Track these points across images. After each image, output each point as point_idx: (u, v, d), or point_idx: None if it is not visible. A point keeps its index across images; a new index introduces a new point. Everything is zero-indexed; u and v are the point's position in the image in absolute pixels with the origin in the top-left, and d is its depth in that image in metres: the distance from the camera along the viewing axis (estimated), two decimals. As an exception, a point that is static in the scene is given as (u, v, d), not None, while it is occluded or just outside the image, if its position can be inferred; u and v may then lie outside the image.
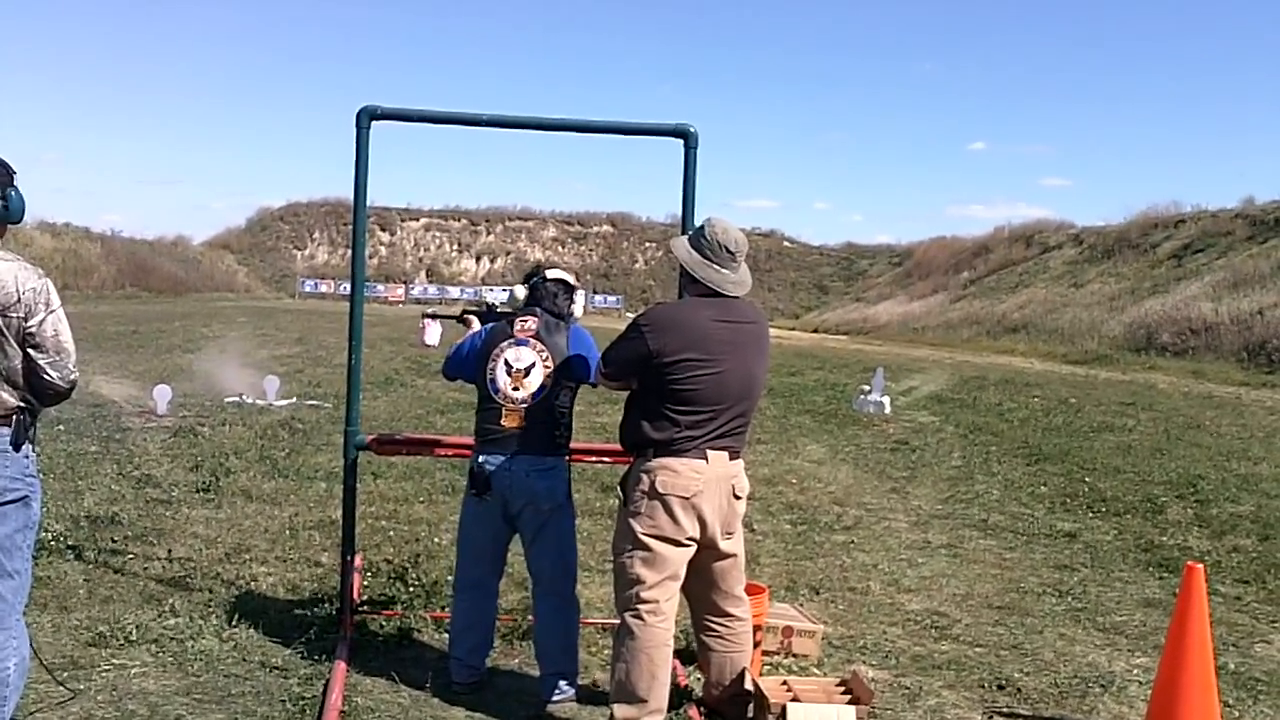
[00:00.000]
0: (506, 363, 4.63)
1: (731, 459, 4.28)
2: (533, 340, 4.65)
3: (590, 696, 4.73)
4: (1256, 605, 6.89)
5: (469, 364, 4.75)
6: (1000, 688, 5.22)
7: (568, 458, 4.74)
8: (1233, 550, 8.25)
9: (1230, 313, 32.41)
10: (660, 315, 4.32)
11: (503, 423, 4.60)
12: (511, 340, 4.67)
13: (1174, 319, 34.23)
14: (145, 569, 6.31)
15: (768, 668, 5.20)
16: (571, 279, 4.88)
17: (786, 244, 76.82)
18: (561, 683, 4.65)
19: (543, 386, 4.60)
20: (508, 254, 71.20)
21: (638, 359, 4.22)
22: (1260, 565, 7.78)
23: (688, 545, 4.23)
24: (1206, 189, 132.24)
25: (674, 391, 4.15)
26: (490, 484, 4.61)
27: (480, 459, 4.64)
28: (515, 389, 4.60)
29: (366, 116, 5.01)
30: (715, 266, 4.28)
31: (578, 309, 4.87)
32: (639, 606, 4.21)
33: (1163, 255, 43.68)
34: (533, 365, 4.61)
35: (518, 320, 4.73)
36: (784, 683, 4.63)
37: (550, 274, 4.87)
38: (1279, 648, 6.08)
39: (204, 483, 8.58)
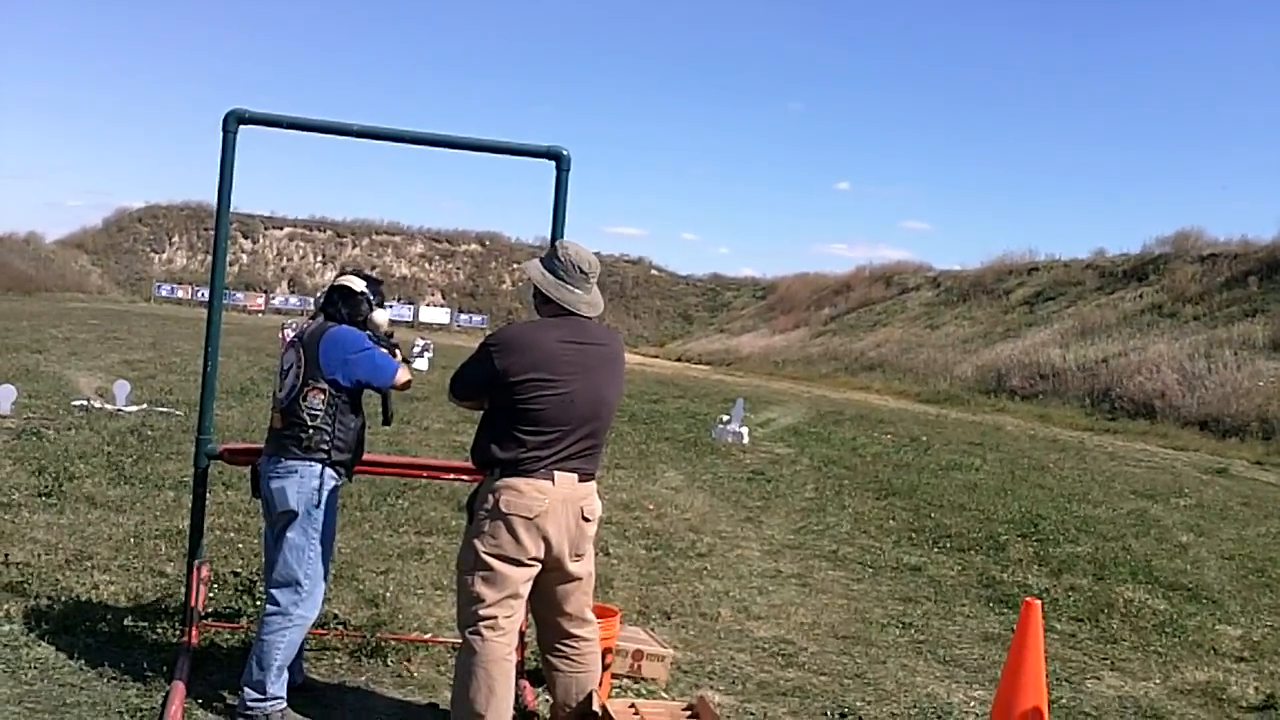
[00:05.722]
0: (280, 365, 4.71)
1: (581, 481, 4.25)
2: (296, 342, 4.66)
3: (438, 716, 4.70)
4: (1090, 643, 7.15)
5: None
6: (842, 716, 5.33)
7: (324, 466, 4.58)
8: (1070, 589, 8.55)
9: (1077, 360, 33.69)
10: (507, 335, 4.31)
11: (271, 422, 4.67)
12: (287, 344, 4.73)
13: (1023, 363, 35.45)
14: (-22, 574, 6.07)
15: (616, 690, 5.22)
16: (355, 284, 4.77)
17: (654, 272, 77.39)
18: (245, 690, 4.48)
19: (293, 387, 4.59)
20: (373, 268, 70.07)
21: (484, 378, 4.21)
22: (1094, 604, 8.08)
23: (530, 565, 4.20)
24: (1060, 239, 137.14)
25: (521, 411, 4.14)
26: (256, 484, 4.69)
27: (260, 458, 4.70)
28: (279, 390, 4.66)
29: (234, 120, 4.90)
30: (569, 287, 4.28)
31: (379, 315, 4.79)
32: (478, 624, 4.18)
33: (1015, 301, 45.21)
34: (290, 368, 4.63)
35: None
36: (632, 705, 4.63)
37: (337, 280, 4.85)
38: (1108, 684, 6.33)
39: (46, 487, 8.27)
